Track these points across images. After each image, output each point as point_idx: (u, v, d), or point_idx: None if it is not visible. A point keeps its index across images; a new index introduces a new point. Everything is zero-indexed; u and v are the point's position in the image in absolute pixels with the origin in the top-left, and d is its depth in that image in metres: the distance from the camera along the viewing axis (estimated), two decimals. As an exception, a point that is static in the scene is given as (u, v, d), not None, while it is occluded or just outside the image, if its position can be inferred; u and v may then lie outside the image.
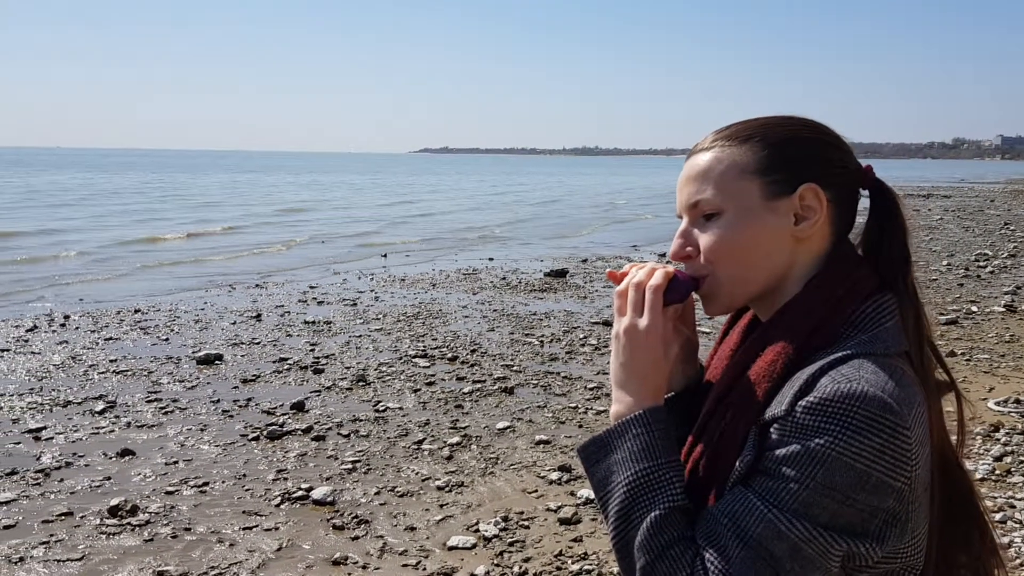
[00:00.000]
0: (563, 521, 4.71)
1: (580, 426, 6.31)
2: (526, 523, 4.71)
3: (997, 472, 5.27)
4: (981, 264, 15.05)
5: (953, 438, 1.24)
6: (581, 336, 9.26)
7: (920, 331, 1.18)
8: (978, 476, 5.21)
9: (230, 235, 22.15)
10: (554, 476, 5.32)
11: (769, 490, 1.07)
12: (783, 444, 1.07)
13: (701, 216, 1.24)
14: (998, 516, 4.62)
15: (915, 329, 1.18)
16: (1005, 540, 4.31)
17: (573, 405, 6.79)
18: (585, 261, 16.23)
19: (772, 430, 1.09)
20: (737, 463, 1.13)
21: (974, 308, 10.72)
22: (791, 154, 1.21)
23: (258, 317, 10.31)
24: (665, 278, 1.23)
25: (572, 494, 5.07)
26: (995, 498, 4.88)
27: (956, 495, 1.22)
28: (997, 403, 6.63)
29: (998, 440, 5.83)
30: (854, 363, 1.09)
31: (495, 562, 4.28)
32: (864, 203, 1.31)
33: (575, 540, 4.51)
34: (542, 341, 9.05)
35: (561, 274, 13.93)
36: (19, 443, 5.87)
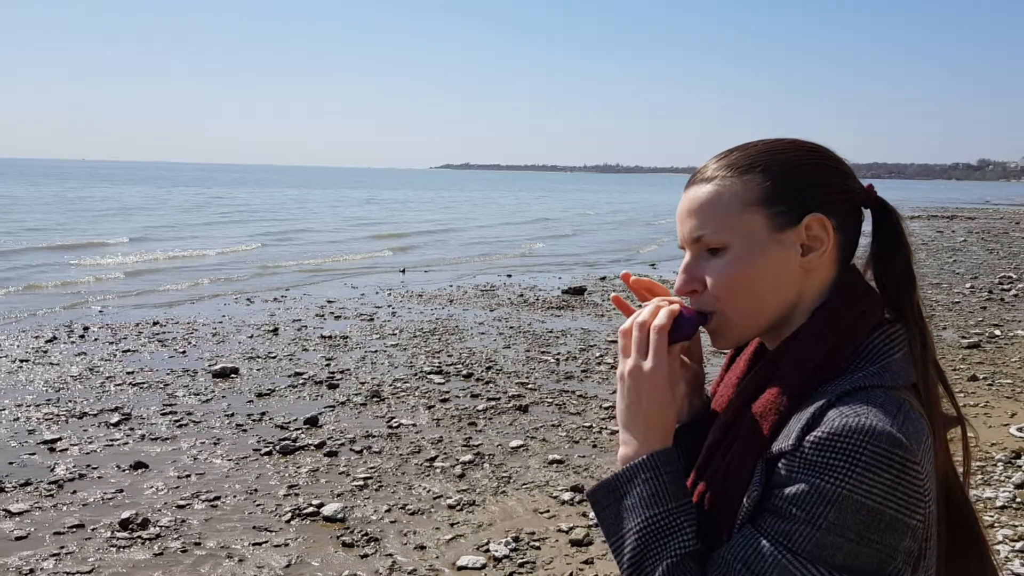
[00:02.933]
0: (575, 543, 4.67)
1: (594, 446, 6.26)
2: (537, 544, 4.67)
3: (1018, 500, 5.17)
4: (1005, 287, 14.87)
5: (959, 467, 1.21)
6: (597, 355, 9.21)
7: (927, 358, 1.15)
8: (999, 503, 5.11)
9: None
10: (566, 496, 5.28)
11: (780, 532, 1.04)
12: (791, 481, 1.04)
13: (705, 250, 1.20)
14: (1019, 545, 4.52)
15: (922, 356, 1.15)
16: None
17: (588, 424, 6.74)
18: (603, 279, 16.19)
19: (780, 465, 1.07)
20: (744, 500, 1.10)
21: (997, 332, 10.58)
22: (795, 183, 1.18)
23: (275, 331, 10.34)
24: (670, 317, 1.19)
25: (584, 515, 5.02)
26: (1016, 526, 4.78)
27: (961, 526, 1.20)
28: (1020, 429, 6.51)
29: (1020, 467, 5.72)
30: (862, 396, 1.06)
31: (505, 583, 4.24)
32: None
33: (586, 562, 4.46)
34: (558, 359, 9.01)
35: (579, 292, 13.90)
36: (34, 454, 5.89)
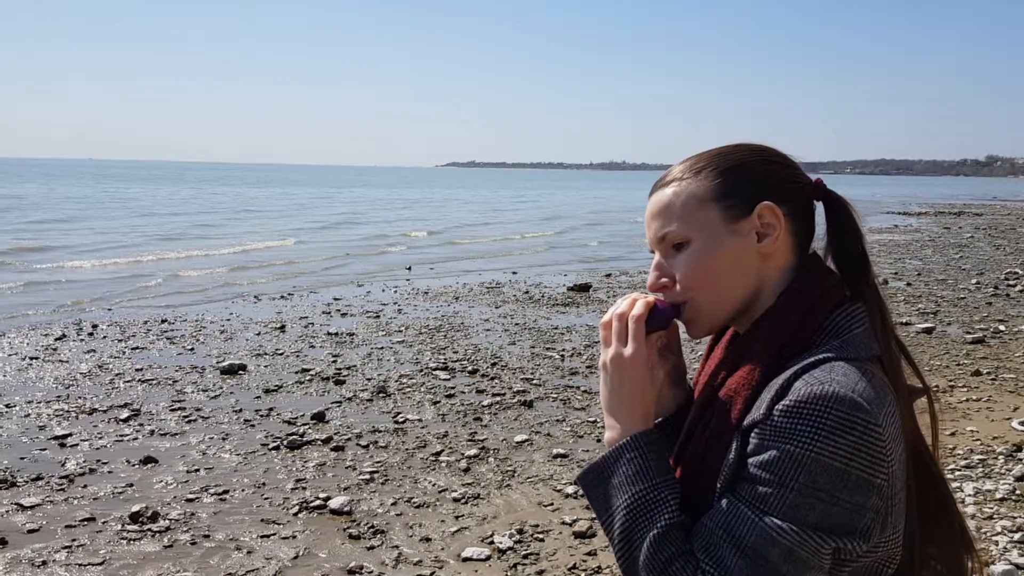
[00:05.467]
0: (578, 535, 4.72)
1: (598, 440, 6.31)
2: (541, 536, 4.73)
3: (1018, 492, 5.21)
4: (1011, 283, 14.86)
5: (928, 437, 1.29)
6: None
7: (887, 329, 1.24)
8: (998, 496, 5.15)
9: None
10: (570, 490, 5.33)
11: (756, 496, 1.12)
12: (763, 449, 1.12)
13: (671, 247, 1.30)
14: (1018, 535, 4.57)
15: (882, 328, 1.23)
16: (1024, 561, 4.26)
17: (592, 419, 6.80)
18: (609, 276, 16.24)
19: (752, 435, 1.15)
20: (723, 470, 1.18)
21: (1002, 327, 10.59)
22: (744, 178, 1.28)
23: (282, 328, 10.42)
24: (646, 307, 1.29)
25: (588, 508, 5.07)
26: (1015, 518, 4.82)
27: (930, 491, 1.28)
28: (1022, 423, 6.54)
29: (1020, 460, 5.75)
30: (826, 367, 1.14)
31: (509, 574, 4.30)
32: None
33: (589, 554, 4.52)
34: (563, 355, 9.06)
35: (584, 288, 13.95)
36: (45, 449, 5.98)
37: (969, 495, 5.16)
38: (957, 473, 5.54)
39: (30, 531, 4.70)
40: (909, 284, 14.68)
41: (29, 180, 79.65)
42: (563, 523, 4.88)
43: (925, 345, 9.49)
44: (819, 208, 1.34)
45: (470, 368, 8.40)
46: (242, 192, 64.37)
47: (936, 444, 1.31)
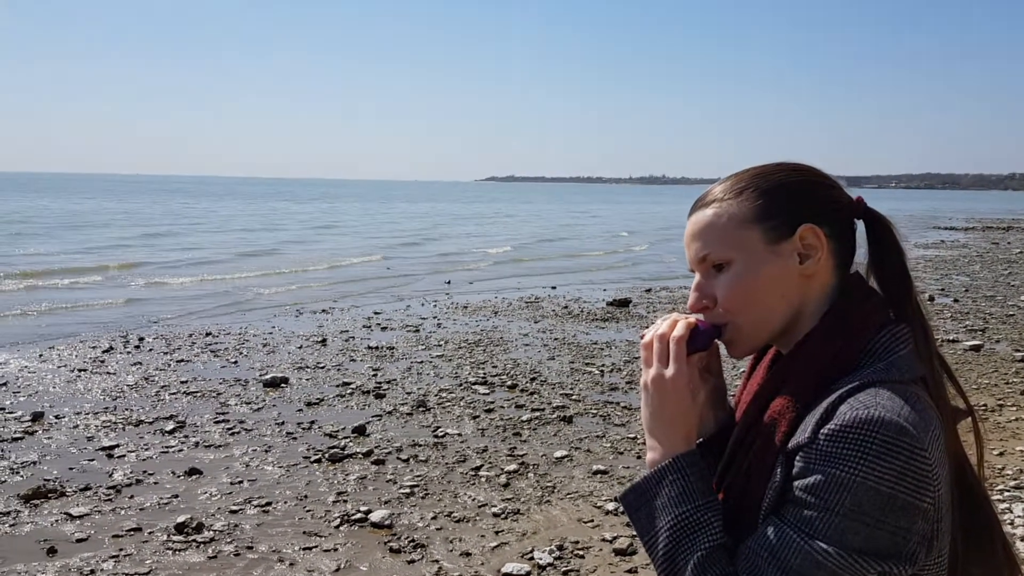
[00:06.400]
0: (619, 552, 4.70)
1: (639, 457, 6.28)
2: (581, 553, 4.71)
3: (1072, 515, 5.07)
4: (1061, 299, 14.53)
5: (972, 457, 1.28)
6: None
7: (930, 349, 1.23)
8: (1051, 518, 5.02)
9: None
10: (611, 506, 5.31)
11: (801, 520, 1.11)
12: (809, 473, 1.12)
13: (712, 268, 1.31)
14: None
15: (925, 347, 1.22)
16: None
17: (632, 435, 6.77)
18: (649, 291, 16.17)
19: (797, 458, 1.14)
20: (767, 493, 1.18)
21: (1052, 344, 10.35)
22: (785, 199, 1.28)
23: (323, 342, 10.52)
24: (687, 328, 1.30)
25: (628, 525, 5.05)
26: (1069, 542, 4.70)
27: (974, 513, 1.26)
28: (1074, 443, 6.38)
29: (1074, 482, 5.61)
30: (871, 391, 1.14)
31: (549, 590, 4.29)
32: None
33: (630, 571, 4.49)
34: (602, 371, 9.04)
35: (624, 304, 13.90)
36: (93, 460, 6.09)
37: (1019, 516, 5.04)
38: (1006, 494, 5.42)
39: (79, 540, 4.80)
40: (956, 300, 14.42)
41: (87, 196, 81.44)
42: (603, 540, 4.86)
43: (973, 363, 9.31)
44: (860, 226, 1.33)
45: (509, 383, 8.41)
46: (302, 207, 65.49)
47: (981, 465, 1.30)
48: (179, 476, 5.80)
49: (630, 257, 25.48)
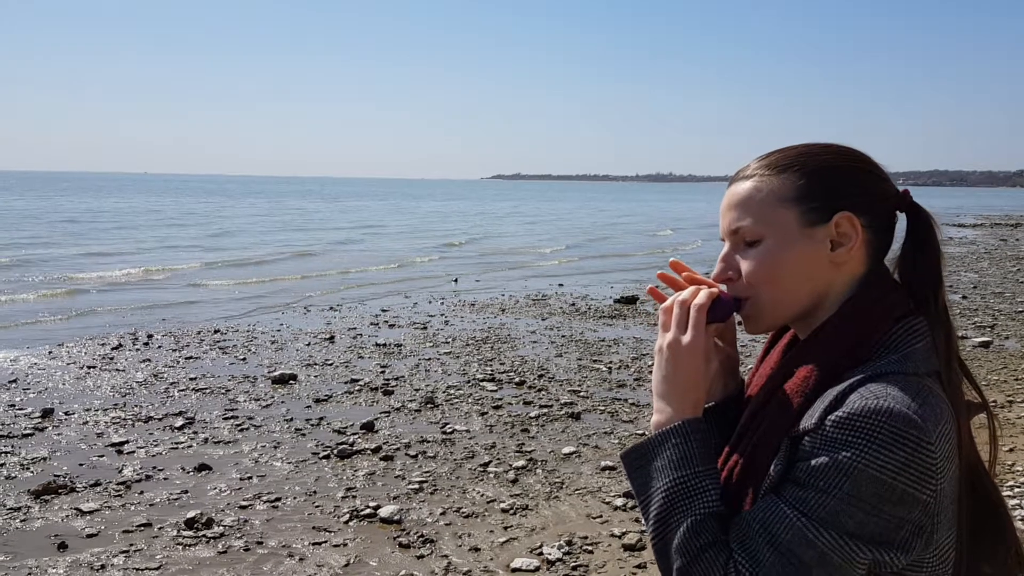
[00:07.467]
0: (627, 547, 4.70)
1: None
2: (590, 548, 4.71)
3: (1082, 511, 5.06)
4: (1071, 296, 14.47)
5: (984, 455, 1.27)
6: (650, 363, 9.21)
7: (950, 351, 1.22)
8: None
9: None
10: (619, 502, 5.31)
11: (799, 499, 1.12)
12: (813, 456, 1.12)
13: (743, 242, 1.30)
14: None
15: (945, 349, 1.21)
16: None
17: (640, 432, 6.77)
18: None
19: (803, 442, 1.14)
20: (770, 471, 1.18)
21: (1062, 341, 10.32)
22: (827, 183, 1.26)
23: (331, 339, 10.54)
24: (709, 298, 1.29)
25: (637, 520, 5.05)
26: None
27: (985, 509, 1.26)
28: (1084, 439, 6.36)
29: (1084, 478, 5.59)
30: (883, 381, 1.13)
31: (558, 585, 4.29)
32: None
33: (639, 567, 4.49)
34: (610, 367, 9.04)
35: (631, 301, 13.89)
36: (103, 456, 6.12)
37: (1030, 513, 5.02)
38: (1016, 490, 5.40)
39: (89, 536, 4.82)
40: (965, 297, 14.37)
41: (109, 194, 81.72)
42: (612, 535, 4.86)
43: (982, 359, 9.28)
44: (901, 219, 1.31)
45: (517, 380, 8.41)
46: (327, 205, 65.80)
47: (994, 462, 1.29)
48: (188, 472, 5.82)
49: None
